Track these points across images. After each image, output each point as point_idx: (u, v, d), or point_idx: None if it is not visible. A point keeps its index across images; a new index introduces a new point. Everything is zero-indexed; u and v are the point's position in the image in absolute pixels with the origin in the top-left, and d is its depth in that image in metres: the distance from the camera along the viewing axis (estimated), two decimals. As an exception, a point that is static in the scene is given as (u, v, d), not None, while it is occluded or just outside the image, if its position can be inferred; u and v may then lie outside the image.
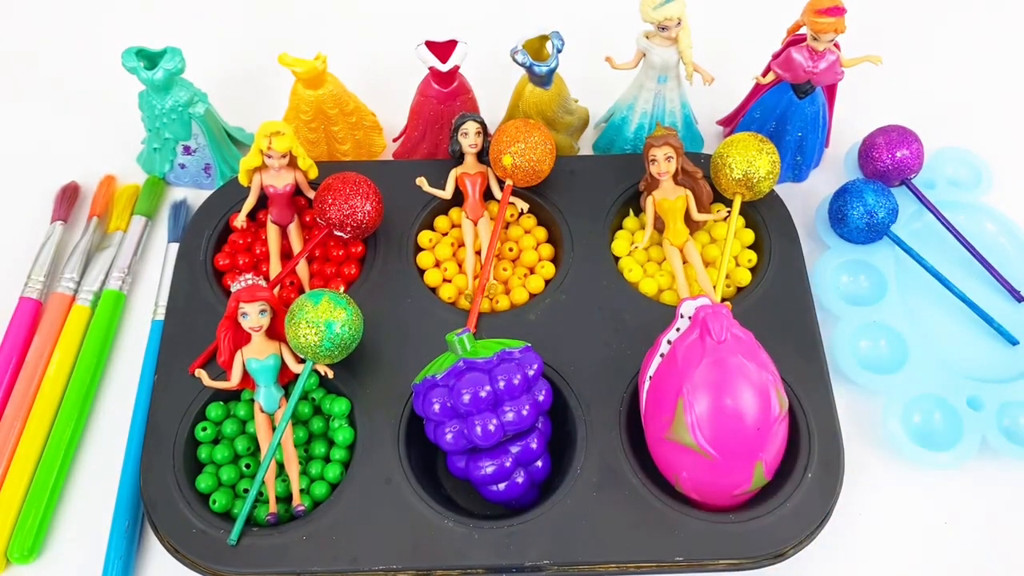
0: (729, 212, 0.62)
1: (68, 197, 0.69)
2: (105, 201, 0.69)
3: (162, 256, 0.66)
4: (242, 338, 0.55)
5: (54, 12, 0.83)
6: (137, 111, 0.66)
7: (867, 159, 0.67)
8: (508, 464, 0.51)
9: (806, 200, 0.69)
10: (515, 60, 0.62)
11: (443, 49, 0.63)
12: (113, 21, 0.82)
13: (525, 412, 0.50)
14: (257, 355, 0.54)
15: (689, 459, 0.50)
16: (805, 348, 0.58)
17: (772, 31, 0.67)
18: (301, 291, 0.61)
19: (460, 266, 0.63)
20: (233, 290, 0.55)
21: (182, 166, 0.69)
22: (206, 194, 0.66)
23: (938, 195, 0.68)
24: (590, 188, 0.65)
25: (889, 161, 0.65)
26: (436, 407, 0.50)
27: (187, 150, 0.68)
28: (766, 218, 0.64)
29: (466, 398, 0.49)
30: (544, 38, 0.64)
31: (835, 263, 0.65)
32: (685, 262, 0.62)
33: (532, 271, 0.63)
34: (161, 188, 0.70)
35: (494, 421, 0.49)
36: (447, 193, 0.64)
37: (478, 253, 0.63)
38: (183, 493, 0.53)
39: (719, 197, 0.64)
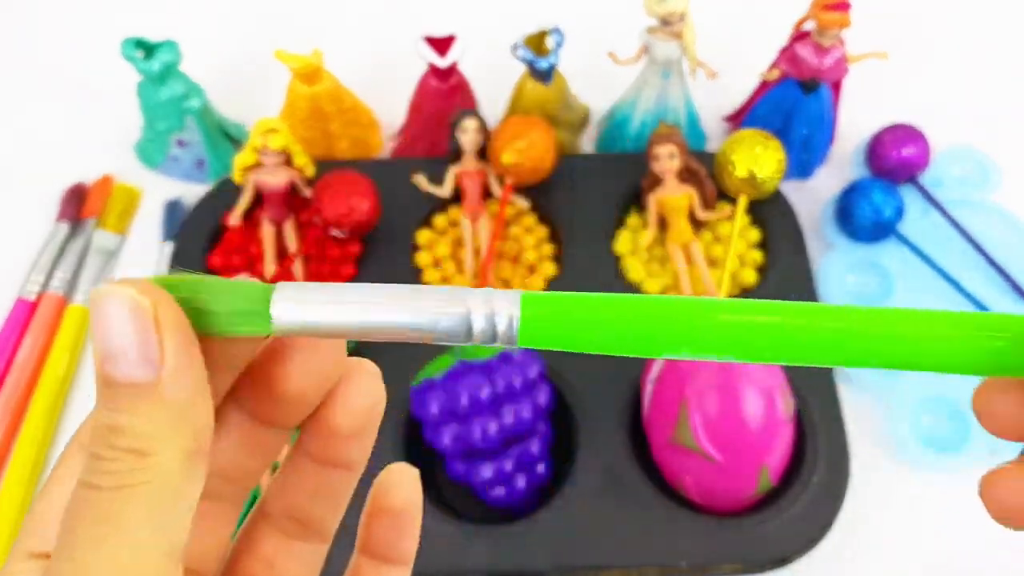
0: (734, 211, 0.61)
1: (75, 198, 0.68)
2: (101, 202, 0.68)
3: (156, 255, 0.65)
4: (237, 338, 0.54)
5: (55, 8, 0.82)
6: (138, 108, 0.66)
7: (874, 157, 0.66)
8: (508, 468, 0.50)
9: (812, 198, 0.68)
10: (515, 56, 0.62)
11: (442, 45, 0.62)
12: (119, 16, 0.81)
13: (525, 414, 0.49)
14: (252, 356, 0.53)
15: (693, 463, 0.49)
16: (811, 349, 0.57)
17: (778, 26, 0.66)
18: (297, 291, 0.61)
19: (459, 265, 0.62)
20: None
21: (175, 158, 0.68)
22: (200, 191, 0.65)
23: (946, 194, 0.67)
24: (592, 186, 0.64)
25: (896, 159, 0.65)
26: (434, 410, 0.49)
27: (180, 143, 0.67)
28: (771, 217, 0.63)
29: (465, 400, 0.48)
30: (545, 33, 0.63)
31: (842, 262, 0.64)
32: (689, 261, 0.61)
33: (533, 270, 0.62)
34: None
35: (493, 424, 0.49)
36: (446, 191, 0.63)
37: (477, 252, 0.62)
38: (176, 497, 0.52)
39: (724, 195, 0.63)
